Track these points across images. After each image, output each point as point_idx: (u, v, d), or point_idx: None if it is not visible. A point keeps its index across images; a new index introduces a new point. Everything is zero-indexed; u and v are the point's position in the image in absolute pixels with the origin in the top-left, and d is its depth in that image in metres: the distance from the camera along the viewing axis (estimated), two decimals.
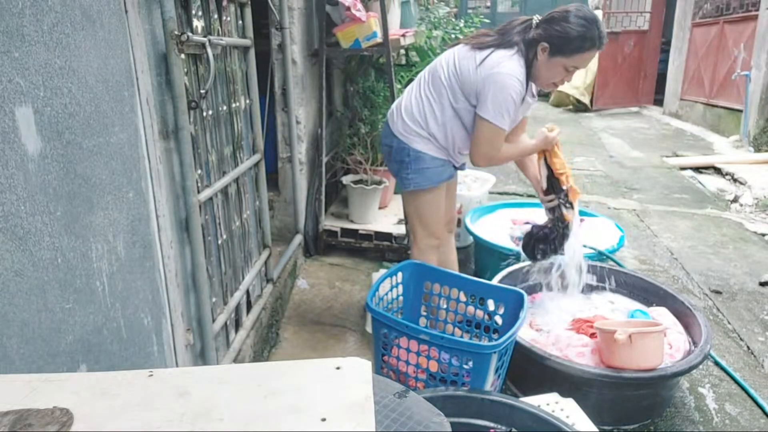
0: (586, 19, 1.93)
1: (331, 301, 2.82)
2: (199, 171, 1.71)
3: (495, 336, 2.03)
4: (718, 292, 3.01)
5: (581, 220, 3.20)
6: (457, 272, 2.26)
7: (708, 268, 3.32)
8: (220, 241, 1.89)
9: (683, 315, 2.24)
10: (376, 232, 3.22)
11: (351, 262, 3.24)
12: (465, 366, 1.78)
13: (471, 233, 3.06)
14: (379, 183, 3.33)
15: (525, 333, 2.17)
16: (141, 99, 1.36)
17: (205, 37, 1.66)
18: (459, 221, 3.32)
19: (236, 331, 2.07)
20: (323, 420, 0.63)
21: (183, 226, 1.62)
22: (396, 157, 2.21)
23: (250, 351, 2.15)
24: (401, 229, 3.21)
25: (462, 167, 2.34)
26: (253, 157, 2.21)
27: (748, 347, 2.51)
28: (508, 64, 1.97)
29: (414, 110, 2.16)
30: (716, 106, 7.35)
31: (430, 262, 2.30)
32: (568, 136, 7.36)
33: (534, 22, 2.04)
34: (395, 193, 3.66)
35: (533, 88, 2.13)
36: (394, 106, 2.28)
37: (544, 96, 11.60)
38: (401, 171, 2.21)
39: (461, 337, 2.11)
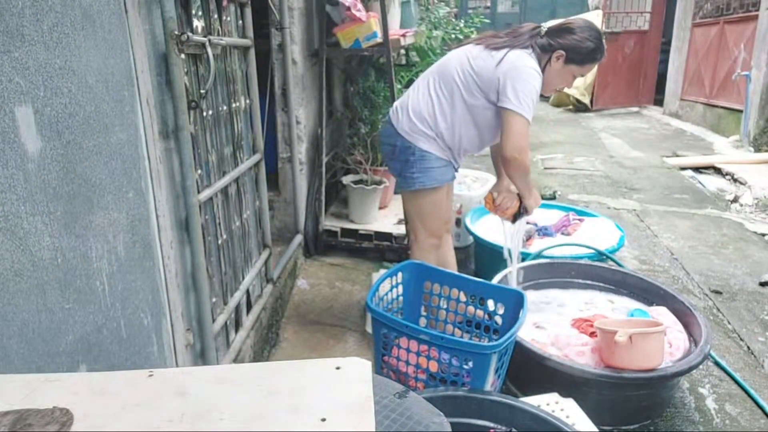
0: (598, 32, 2.08)
1: (331, 301, 2.82)
2: (199, 171, 1.71)
3: (495, 336, 2.03)
4: (718, 292, 3.01)
5: (581, 220, 3.21)
6: (456, 272, 2.26)
7: (708, 268, 3.32)
8: (220, 241, 1.89)
9: (683, 315, 2.25)
10: (376, 232, 3.22)
11: (351, 262, 3.24)
12: (465, 366, 1.78)
13: (471, 233, 3.06)
14: (379, 183, 3.33)
15: (525, 332, 2.17)
16: (141, 99, 1.36)
17: (205, 37, 1.66)
18: (459, 221, 3.32)
19: (236, 331, 2.07)
20: (323, 420, 0.63)
21: (183, 226, 1.61)
22: (400, 157, 2.21)
23: (250, 351, 2.15)
24: (401, 229, 3.21)
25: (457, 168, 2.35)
26: (253, 157, 2.21)
27: (748, 347, 2.51)
28: (528, 60, 2.05)
29: (423, 109, 2.16)
30: (716, 106, 7.35)
31: (430, 262, 2.30)
32: (568, 136, 7.37)
33: (543, 30, 2.12)
34: (395, 193, 3.66)
35: None
36: (397, 105, 2.28)
37: (544, 96, 11.61)
38: (405, 170, 2.21)
39: (461, 337, 2.11)
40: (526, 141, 2.08)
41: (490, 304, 2.05)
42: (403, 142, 2.19)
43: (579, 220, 3.22)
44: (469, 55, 2.14)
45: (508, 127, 2.05)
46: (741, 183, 4.99)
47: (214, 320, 1.80)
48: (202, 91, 1.69)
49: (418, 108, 2.18)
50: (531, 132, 2.33)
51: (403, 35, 3.28)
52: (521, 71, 2.02)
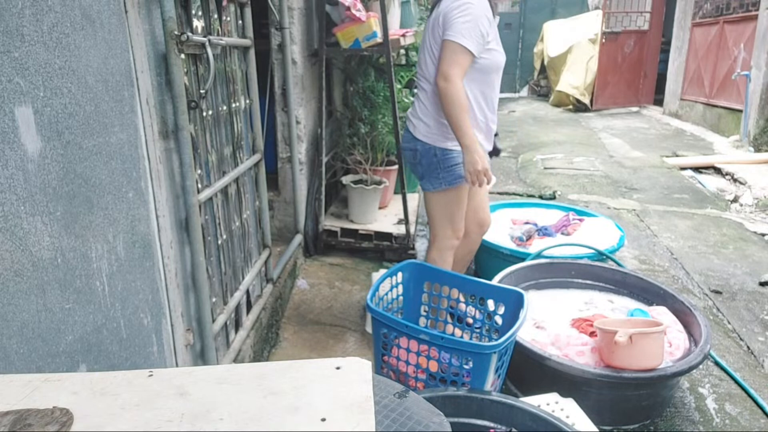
0: None
1: (331, 301, 2.82)
2: (199, 171, 1.71)
3: (495, 336, 2.03)
4: (718, 292, 3.01)
5: (581, 220, 3.21)
6: (456, 272, 2.27)
7: (708, 268, 3.32)
8: (220, 241, 1.89)
9: (683, 315, 2.25)
10: (376, 232, 3.23)
11: (351, 262, 3.24)
12: (465, 366, 1.78)
13: None
14: (379, 183, 3.33)
15: (525, 332, 2.17)
16: (141, 99, 1.36)
17: (205, 37, 1.66)
18: None
19: (236, 331, 2.07)
20: (323, 420, 0.63)
21: (183, 226, 1.61)
22: (422, 160, 2.22)
23: (250, 351, 2.15)
24: (401, 229, 3.21)
25: (496, 151, 2.36)
26: (253, 157, 2.21)
27: (748, 347, 2.51)
28: None
29: (433, 111, 2.17)
30: (716, 106, 7.36)
31: (446, 263, 2.31)
32: (568, 136, 7.36)
33: None
34: (395, 193, 3.67)
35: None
36: (409, 114, 2.31)
37: (544, 96, 11.62)
38: (431, 172, 2.21)
39: (461, 337, 2.11)
40: (455, 70, 2.03)
41: (490, 304, 2.05)
42: (423, 145, 2.20)
43: (579, 220, 3.22)
44: (428, 35, 2.16)
45: (441, 54, 2.06)
46: (741, 183, 4.99)
47: (214, 320, 1.80)
48: (201, 91, 1.69)
49: (427, 111, 2.18)
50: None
51: (403, 35, 3.28)
52: (457, 4, 2.01)
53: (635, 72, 9.76)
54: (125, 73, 1.28)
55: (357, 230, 3.25)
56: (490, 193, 4.04)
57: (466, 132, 2.03)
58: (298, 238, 3.09)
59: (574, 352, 2.03)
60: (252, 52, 2.17)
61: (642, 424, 2.01)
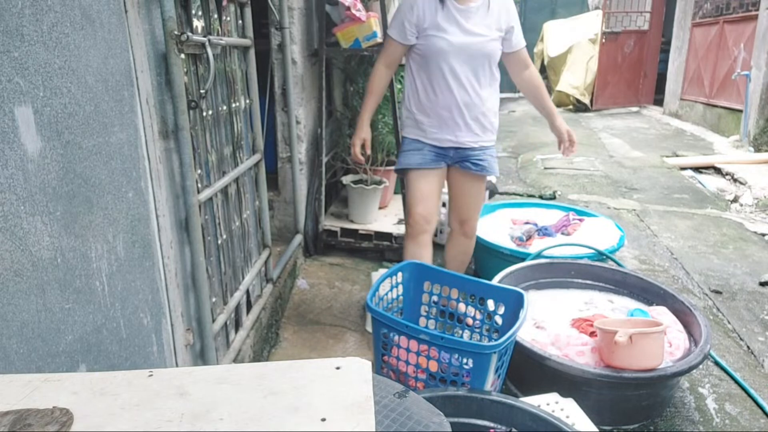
0: None
1: (330, 301, 2.82)
2: (199, 171, 1.71)
3: (495, 336, 2.03)
4: (718, 292, 3.01)
5: (581, 220, 3.21)
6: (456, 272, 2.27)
7: (708, 268, 3.32)
8: (220, 241, 1.89)
9: (683, 314, 2.25)
10: (376, 232, 3.23)
11: (351, 262, 3.24)
12: (465, 366, 1.78)
13: None
14: (379, 183, 3.33)
15: (525, 332, 2.17)
16: (141, 99, 1.36)
17: (205, 36, 1.66)
18: None
19: (236, 331, 2.07)
20: (323, 420, 0.63)
21: (183, 226, 1.61)
22: None
23: (250, 351, 2.15)
24: (401, 229, 3.21)
25: (481, 164, 2.36)
26: (253, 157, 2.21)
27: (748, 347, 2.51)
28: None
29: (404, 101, 2.40)
30: (716, 106, 7.36)
31: (409, 253, 2.39)
32: None
33: None
34: (395, 193, 3.66)
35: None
36: None
37: None
38: None
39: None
40: (381, 55, 2.33)
41: (490, 304, 2.05)
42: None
43: (579, 220, 3.22)
44: None
45: None
46: (741, 183, 4.99)
47: (213, 320, 1.80)
48: (201, 91, 1.69)
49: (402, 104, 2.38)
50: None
51: None
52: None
53: (635, 72, 9.76)
54: (125, 72, 1.28)
55: (357, 230, 3.25)
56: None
57: (362, 109, 2.36)
58: (298, 238, 3.09)
59: (574, 352, 2.03)
60: (252, 52, 2.17)
61: (642, 424, 2.01)
